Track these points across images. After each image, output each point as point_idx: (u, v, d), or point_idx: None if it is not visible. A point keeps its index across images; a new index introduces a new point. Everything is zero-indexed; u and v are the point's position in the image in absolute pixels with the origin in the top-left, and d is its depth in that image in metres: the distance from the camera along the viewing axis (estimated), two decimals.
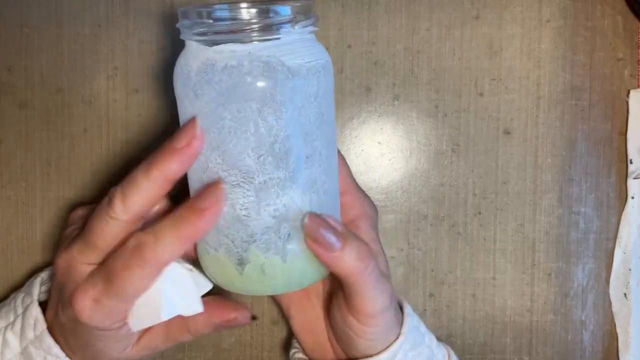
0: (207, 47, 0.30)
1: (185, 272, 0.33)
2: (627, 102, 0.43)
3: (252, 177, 0.30)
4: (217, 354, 0.43)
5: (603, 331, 0.43)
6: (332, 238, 0.31)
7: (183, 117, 0.32)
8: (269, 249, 0.31)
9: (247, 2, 0.30)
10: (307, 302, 0.38)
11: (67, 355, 0.35)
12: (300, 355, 0.38)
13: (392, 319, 0.34)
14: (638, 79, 0.43)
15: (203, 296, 0.34)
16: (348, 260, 0.31)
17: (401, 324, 0.35)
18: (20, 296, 0.38)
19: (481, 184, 0.43)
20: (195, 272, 0.34)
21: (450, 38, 0.42)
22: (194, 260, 0.34)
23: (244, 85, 0.29)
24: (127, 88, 0.42)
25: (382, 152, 0.43)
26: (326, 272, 0.33)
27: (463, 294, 0.43)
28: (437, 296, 0.43)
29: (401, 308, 0.36)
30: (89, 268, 0.33)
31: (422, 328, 0.37)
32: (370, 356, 0.34)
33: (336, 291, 0.35)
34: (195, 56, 0.30)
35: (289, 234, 0.31)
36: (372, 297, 0.33)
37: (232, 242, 0.31)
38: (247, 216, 0.31)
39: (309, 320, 0.37)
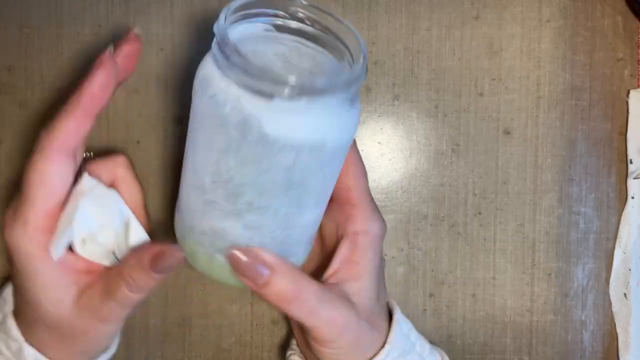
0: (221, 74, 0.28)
1: (112, 196, 0.34)
2: (627, 102, 0.43)
3: (204, 192, 0.30)
4: (217, 354, 0.43)
5: (603, 331, 0.43)
6: (257, 271, 0.31)
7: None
8: (200, 246, 0.32)
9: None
10: None
11: (26, 339, 0.34)
12: (296, 357, 0.38)
13: (358, 337, 0.34)
14: (638, 79, 0.43)
15: None
16: (272, 294, 0.31)
17: (388, 332, 0.35)
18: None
19: (481, 184, 0.43)
20: (135, 221, 0.34)
21: (450, 38, 0.42)
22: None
23: (219, 121, 0.28)
24: (127, 88, 0.42)
25: (382, 152, 0.43)
26: None
27: (463, 294, 0.43)
28: (437, 296, 0.43)
29: (392, 315, 0.36)
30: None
31: (413, 336, 0.37)
32: None
33: None
34: (207, 74, 0.29)
35: (221, 249, 0.31)
36: (317, 326, 0.32)
37: (184, 225, 0.33)
38: (193, 213, 0.32)
39: None
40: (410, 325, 0.37)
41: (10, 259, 0.34)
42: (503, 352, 0.43)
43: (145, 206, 0.37)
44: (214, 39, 0.28)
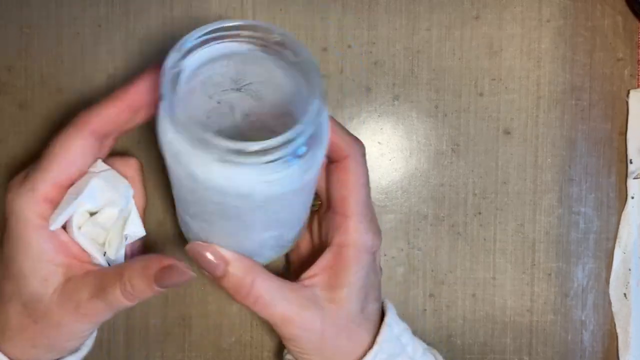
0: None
1: (122, 181, 0.35)
2: (627, 102, 0.43)
3: (182, 210, 0.34)
4: (217, 354, 0.43)
5: (603, 331, 0.43)
6: (214, 264, 0.32)
7: None
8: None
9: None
10: None
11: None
12: (290, 357, 0.38)
13: (324, 343, 0.34)
14: (638, 79, 0.43)
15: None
16: (229, 286, 0.33)
17: (376, 333, 0.35)
18: None
19: (481, 184, 0.43)
20: (136, 214, 0.35)
21: (450, 38, 0.42)
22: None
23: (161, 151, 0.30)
24: None
25: (382, 152, 0.43)
26: None
27: (463, 294, 0.43)
28: (437, 296, 0.43)
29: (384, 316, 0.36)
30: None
31: (405, 338, 0.37)
32: None
33: None
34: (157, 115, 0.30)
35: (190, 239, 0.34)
36: (273, 321, 0.34)
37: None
38: (183, 222, 0.35)
39: None
40: (403, 327, 0.37)
41: (3, 227, 0.33)
42: (503, 352, 0.43)
43: (144, 214, 0.37)
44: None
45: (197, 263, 0.33)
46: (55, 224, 0.32)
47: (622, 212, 0.43)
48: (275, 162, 0.27)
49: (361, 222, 0.35)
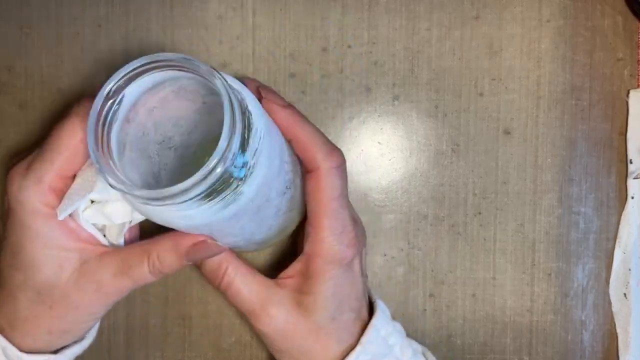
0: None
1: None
2: (627, 102, 0.43)
3: None
4: (217, 354, 0.43)
5: (603, 331, 0.43)
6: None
7: None
8: None
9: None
10: None
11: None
12: None
13: (288, 336, 0.35)
14: (638, 79, 0.43)
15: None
16: (205, 270, 0.36)
17: (360, 334, 0.36)
18: None
19: (481, 184, 0.43)
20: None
21: (450, 38, 0.42)
22: None
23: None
24: None
25: (382, 152, 0.43)
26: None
27: (463, 294, 0.43)
28: (437, 296, 0.43)
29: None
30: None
31: (393, 339, 0.37)
32: None
33: None
34: None
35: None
36: (234, 302, 0.36)
37: None
38: None
39: None
40: (393, 328, 0.37)
41: (7, 219, 0.33)
42: (503, 352, 0.43)
43: None
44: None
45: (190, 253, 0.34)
46: (64, 214, 0.32)
47: (622, 212, 0.43)
48: (190, 201, 0.28)
49: (329, 235, 0.34)
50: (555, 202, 0.43)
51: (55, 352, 0.35)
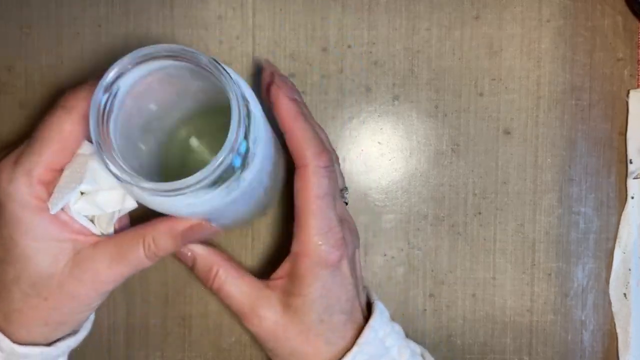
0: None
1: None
2: (627, 102, 0.43)
3: None
4: (217, 354, 0.43)
5: (603, 331, 0.43)
6: (182, 255, 0.36)
7: None
8: None
9: None
10: None
11: None
12: None
13: (277, 336, 0.35)
14: (638, 79, 0.43)
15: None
16: (197, 271, 0.37)
17: (355, 336, 0.36)
18: None
19: (481, 184, 0.43)
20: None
21: (450, 38, 0.42)
22: None
23: None
24: None
25: (382, 152, 0.43)
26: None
27: (463, 294, 0.43)
28: (437, 296, 0.43)
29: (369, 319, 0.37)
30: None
31: (391, 341, 0.36)
32: None
33: None
34: None
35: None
36: (237, 316, 0.36)
37: None
38: None
39: None
40: (391, 329, 0.37)
41: None
42: (503, 352, 0.43)
43: None
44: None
45: (176, 254, 0.36)
46: (56, 208, 0.33)
47: (622, 212, 0.43)
48: (197, 191, 0.28)
49: (314, 234, 0.34)
50: (555, 202, 0.43)
51: (50, 344, 0.35)
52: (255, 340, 0.37)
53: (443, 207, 0.43)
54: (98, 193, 0.33)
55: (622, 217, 0.43)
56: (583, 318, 0.43)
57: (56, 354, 0.35)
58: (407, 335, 0.39)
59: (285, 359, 0.36)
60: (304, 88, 0.42)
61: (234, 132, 0.27)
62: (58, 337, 0.36)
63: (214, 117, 0.33)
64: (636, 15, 0.42)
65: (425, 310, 0.43)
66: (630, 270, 0.43)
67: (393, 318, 0.38)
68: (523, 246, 0.43)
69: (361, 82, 0.42)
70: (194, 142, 0.36)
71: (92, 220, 0.35)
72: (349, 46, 0.42)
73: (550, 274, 0.43)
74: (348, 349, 0.35)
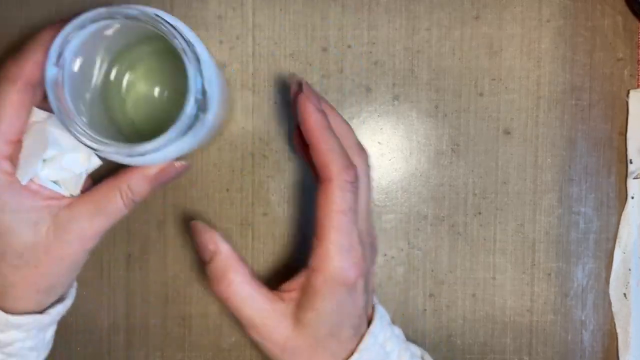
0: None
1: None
2: (627, 102, 0.43)
3: None
4: (217, 354, 0.43)
5: (603, 331, 0.43)
6: (206, 245, 0.36)
7: None
8: None
9: None
10: None
11: None
12: None
13: (284, 349, 0.35)
14: (638, 79, 0.43)
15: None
16: (211, 270, 0.36)
17: (359, 341, 0.35)
18: None
19: (481, 184, 0.43)
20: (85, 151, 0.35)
21: (450, 38, 0.42)
22: None
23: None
24: None
25: (382, 152, 0.43)
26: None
27: (463, 294, 0.43)
28: (437, 296, 0.43)
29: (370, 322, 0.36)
30: None
31: (391, 345, 0.36)
32: None
33: None
34: None
35: None
36: (233, 309, 0.35)
37: None
38: None
39: None
40: (391, 333, 0.37)
41: None
42: (503, 352, 0.43)
43: None
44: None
45: (193, 239, 0.36)
46: (27, 178, 0.33)
47: (622, 212, 0.43)
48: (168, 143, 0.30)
49: (334, 250, 0.33)
50: (555, 202, 0.43)
51: (42, 312, 0.36)
52: (260, 349, 0.36)
53: (443, 207, 0.43)
54: (63, 156, 0.34)
55: (622, 217, 0.43)
56: (583, 318, 0.43)
57: (48, 322, 0.36)
58: (407, 335, 0.39)
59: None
60: None
61: (193, 79, 0.29)
62: (50, 302, 0.36)
63: (155, 62, 0.36)
64: (636, 15, 0.42)
65: (425, 310, 0.43)
66: (630, 270, 0.43)
67: (393, 318, 0.39)
68: (523, 246, 0.43)
69: (361, 82, 0.42)
70: (155, 90, 0.37)
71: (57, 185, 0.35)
72: (349, 46, 0.42)
73: (550, 274, 0.43)
74: (349, 357, 0.35)
